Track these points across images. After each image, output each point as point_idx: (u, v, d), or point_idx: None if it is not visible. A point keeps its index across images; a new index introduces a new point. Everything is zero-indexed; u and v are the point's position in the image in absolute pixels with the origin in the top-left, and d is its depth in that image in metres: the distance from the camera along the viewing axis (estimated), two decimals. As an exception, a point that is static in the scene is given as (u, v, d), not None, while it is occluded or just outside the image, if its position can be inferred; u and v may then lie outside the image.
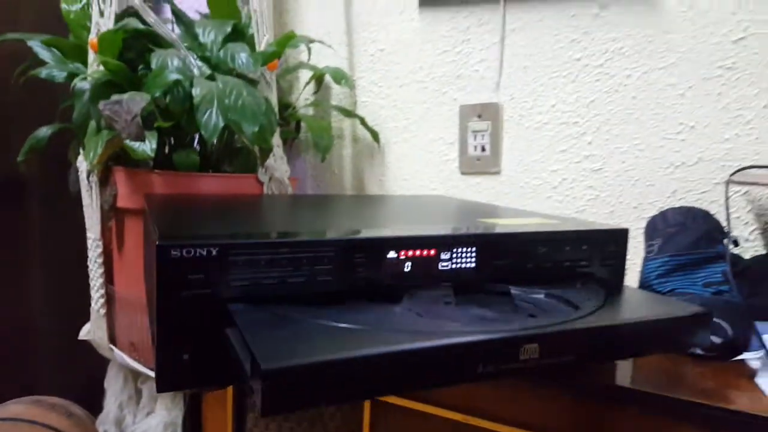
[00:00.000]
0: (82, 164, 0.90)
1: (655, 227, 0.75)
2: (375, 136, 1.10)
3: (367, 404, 0.68)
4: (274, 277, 0.47)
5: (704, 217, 0.72)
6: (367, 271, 0.51)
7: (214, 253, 0.45)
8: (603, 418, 0.56)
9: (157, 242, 0.44)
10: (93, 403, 1.04)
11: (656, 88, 0.90)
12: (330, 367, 0.35)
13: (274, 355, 0.35)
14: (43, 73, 0.93)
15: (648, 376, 0.57)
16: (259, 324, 0.42)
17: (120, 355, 0.90)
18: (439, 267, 0.54)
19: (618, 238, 0.61)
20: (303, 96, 1.16)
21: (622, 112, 0.93)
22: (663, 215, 0.75)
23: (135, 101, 0.68)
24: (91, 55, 0.89)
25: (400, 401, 0.66)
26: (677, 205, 0.79)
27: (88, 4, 0.95)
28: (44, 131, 0.96)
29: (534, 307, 0.50)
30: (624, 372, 0.58)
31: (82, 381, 1.11)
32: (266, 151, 0.88)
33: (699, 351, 0.62)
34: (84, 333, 0.97)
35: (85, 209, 0.92)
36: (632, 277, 0.81)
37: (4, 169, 1.11)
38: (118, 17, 0.90)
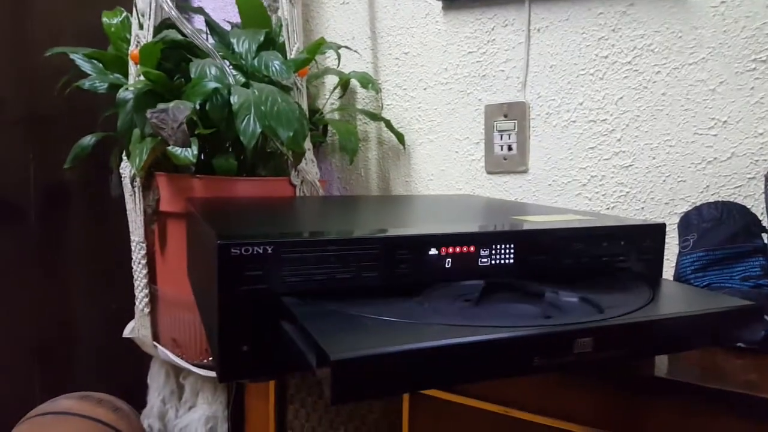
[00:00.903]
0: (125, 170, 0.94)
1: (689, 222, 0.76)
2: (400, 138, 1.12)
3: (406, 396, 0.70)
4: (324, 273, 0.50)
5: (741, 211, 0.73)
6: (409, 267, 0.53)
7: (269, 250, 0.48)
8: (643, 409, 0.58)
9: (217, 242, 0.46)
10: (136, 398, 1.08)
11: (686, 83, 0.90)
12: (394, 358, 0.37)
13: (340, 346, 0.37)
14: (86, 84, 0.97)
15: (688, 368, 0.58)
16: (317, 317, 0.44)
17: (163, 352, 0.93)
18: (479, 263, 0.56)
19: (655, 232, 0.62)
20: (330, 101, 1.19)
21: (651, 108, 0.93)
22: (698, 210, 0.76)
23: (180, 109, 0.71)
24: (132, 66, 0.93)
25: (439, 394, 0.68)
26: (710, 201, 0.79)
27: (128, 18, 0.99)
28: (89, 139, 1.00)
29: (558, 309, 0.50)
30: (663, 364, 0.60)
31: (126, 378, 1.15)
32: (299, 155, 0.91)
33: (740, 344, 0.63)
34: (128, 331, 1.01)
35: (128, 213, 0.96)
36: (666, 272, 0.82)
37: (49, 175, 1.15)
38: (156, 29, 0.93)
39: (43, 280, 1.16)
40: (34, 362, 1.15)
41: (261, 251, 0.47)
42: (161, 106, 0.73)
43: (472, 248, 0.55)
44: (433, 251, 0.54)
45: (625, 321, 0.44)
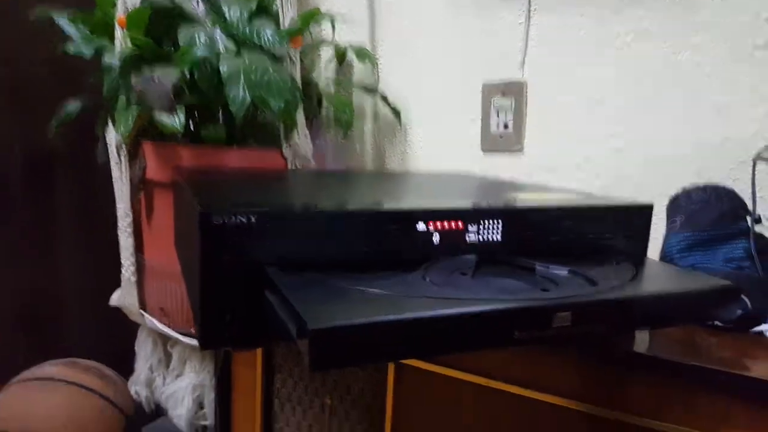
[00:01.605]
0: (111, 137, 0.93)
1: (678, 204, 0.76)
2: (397, 114, 1.10)
3: (390, 367, 0.71)
4: (309, 245, 0.49)
5: (729, 195, 0.73)
6: (396, 241, 0.53)
7: (253, 220, 0.47)
8: (622, 383, 0.58)
9: (199, 210, 0.46)
10: (124, 366, 1.08)
11: (683, 67, 0.89)
12: (375, 328, 0.37)
13: (320, 315, 0.37)
14: (72, 48, 0.95)
15: (666, 344, 0.59)
16: (299, 287, 0.44)
17: (150, 320, 0.93)
18: (467, 239, 0.56)
19: (643, 213, 0.62)
20: (325, 73, 1.17)
21: (648, 91, 0.92)
22: (687, 193, 0.76)
23: (167, 77, 0.69)
24: (119, 32, 0.91)
25: (424, 365, 0.69)
26: (701, 184, 0.79)
27: (117, -21, 0.96)
28: (74, 105, 0.99)
29: (553, 283, 0.51)
30: (642, 340, 0.60)
31: (114, 345, 1.15)
32: (290, 127, 0.89)
33: (717, 322, 0.63)
34: (115, 299, 1.01)
35: (114, 181, 0.95)
36: (652, 251, 0.82)
37: (33, 142, 1.14)
38: (146, -7, 0.91)
39: (30, 248, 1.15)
40: (21, 329, 1.15)
41: (244, 221, 0.47)
42: (147, 72, 0.72)
43: (460, 224, 0.55)
44: (421, 226, 0.54)
45: (604, 297, 0.45)
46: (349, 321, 0.37)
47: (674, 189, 0.90)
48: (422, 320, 0.39)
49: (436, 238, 0.54)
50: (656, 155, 0.93)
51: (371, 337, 0.37)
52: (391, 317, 0.38)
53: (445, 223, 0.54)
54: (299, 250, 0.49)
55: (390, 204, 0.55)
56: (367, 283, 0.45)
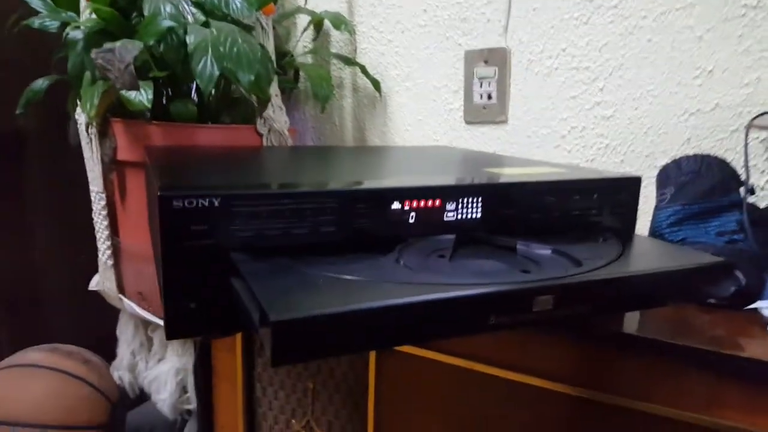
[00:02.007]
0: (80, 116, 0.89)
1: (667, 175, 0.74)
2: (376, 85, 1.07)
3: (372, 352, 0.69)
4: (277, 228, 0.47)
5: (720, 165, 0.70)
6: (370, 222, 0.50)
7: (216, 203, 0.44)
8: (610, 365, 0.57)
9: (159, 193, 0.43)
10: (106, 350, 1.06)
11: (673, 30, 0.86)
12: (339, 319, 0.35)
13: (283, 306, 0.35)
14: (36, 23, 0.90)
15: (656, 323, 0.57)
16: (264, 274, 0.42)
17: (129, 305, 0.91)
18: (445, 218, 0.53)
19: (630, 186, 0.60)
20: (301, 43, 1.13)
21: (636, 56, 0.89)
22: (676, 163, 0.74)
23: (127, 49, 0.66)
24: (83, 3, 0.86)
25: (407, 348, 0.67)
26: (691, 154, 0.77)
27: (79, -53, 0.91)
28: (41, 83, 0.94)
29: (534, 263, 0.49)
30: (632, 320, 0.58)
31: (96, 330, 1.13)
32: (264, 101, 0.86)
33: (711, 300, 0.61)
34: (93, 284, 0.98)
35: (86, 162, 0.91)
36: (642, 225, 0.80)
37: (2, 123, 1.09)
38: (110, -40, 0.86)
39: (5, 232, 1.12)
40: (1, 315, 1.12)
41: (207, 204, 0.44)
42: (107, 45, 0.68)
43: (437, 202, 0.53)
44: (395, 205, 0.51)
45: (589, 278, 0.42)
46: (314, 311, 0.35)
47: (664, 159, 0.88)
48: (391, 309, 0.36)
49: (411, 217, 0.52)
50: (644, 124, 0.90)
51: (338, 328, 0.35)
52: (359, 306, 0.36)
53: (422, 202, 0.52)
54: (266, 234, 0.46)
55: (363, 182, 0.53)
56: (337, 269, 0.43)
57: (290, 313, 0.34)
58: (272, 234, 0.47)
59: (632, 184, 0.60)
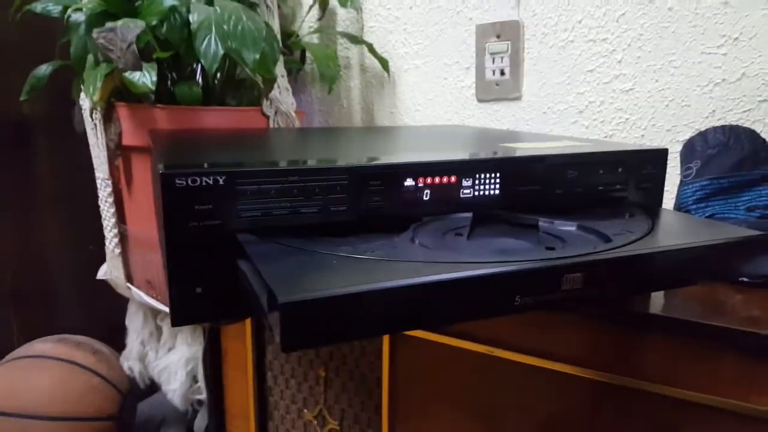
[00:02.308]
0: (85, 102, 0.87)
1: (693, 149, 0.70)
2: (384, 64, 1.03)
3: (386, 336, 0.67)
4: (285, 207, 0.44)
5: (749, 135, 0.67)
6: (383, 200, 0.48)
7: (221, 181, 0.42)
8: (638, 348, 0.54)
9: (161, 171, 0.41)
10: (116, 340, 1.05)
11: (695, -4, 0.82)
12: (354, 300, 0.32)
13: (292, 287, 0.33)
14: (38, 7, 0.88)
15: (685, 303, 0.54)
16: (272, 255, 0.39)
17: (138, 294, 0.89)
18: (461, 195, 0.51)
19: (657, 159, 0.56)
20: (306, 23, 1.09)
21: (656, 25, 0.85)
22: (702, 135, 0.70)
23: (129, 28, 0.63)
24: (84, -17, 0.84)
25: (421, 333, 0.65)
26: (718, 126, 0.73)
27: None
28: (44, 69, 0.92)
29: (560, 240, 0.46)
30: (658, 300, 0.55)
31: (105, 319, 1.12)
32: (270, 82, 0.83)
33: (743, 278, 0.58)
34: (101, 273, 0.97)
35: (91, 148, 0.89)
36: (665, 204, 0.77)
37: (8, 110, 1.08)
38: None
39: (13, 222, 1.11)
40: (10, 306, 1.11)
41: (211, 182, 0.42)
42: (109, 24, 0.65)
43: (453, 178, 0.50)
44: (409, 182, 0.48)
45: (620, 254, 0.39)
46: (327, 292, 0.32)
47: (687, 132, 0.85)
48: (410, 289, 0.34)
49: (426, 195, 0.49)
50: (666, 96, 0.86)
51: (353, 310, 0.33)
52: (375, 286, 0.33)
53: (436, 179, 0.49)
54: (274, 214, 0.44)
55: (375, 159, 0.50)
56: (349, 248, 0.41)
57: (300, 294, 0.31)
58: (280, 214, 0.44)
59: (659, 157, 0.57)
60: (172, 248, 0.42)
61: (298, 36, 1.03)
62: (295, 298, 0.31)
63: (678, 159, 0.73)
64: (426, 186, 0.49)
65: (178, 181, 0.41)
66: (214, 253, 0.43)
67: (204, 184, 0.42)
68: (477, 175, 0.50)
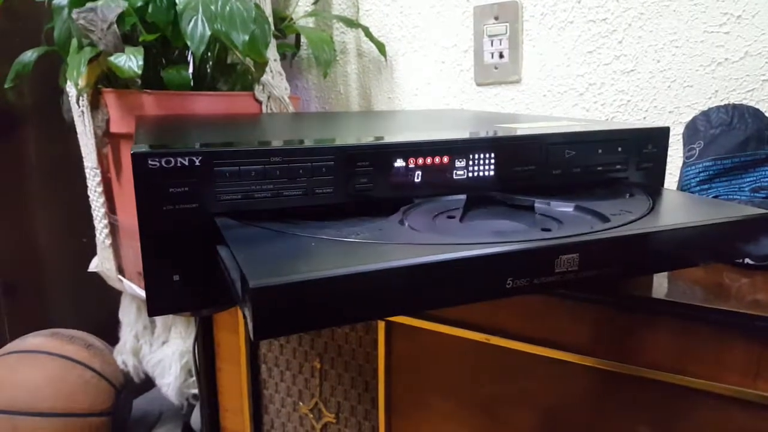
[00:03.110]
0: (71, 89, 0.84)
1: (695, 129, 0.68)
2: (381, 48, 1.01)
3: (381, 325, 0.65)
4: (267, 190, 0.42)
5: (754, 114, 0.64)
6: (371, 182, 0.45)
7: (197, 162, 0.40)
8: (638, 335, 0.52)
9: (133, 152, 0.39)
10: (109, 334, 1.04)
11: (699, -28, 0.79)
12: (332, 284, 0.30)
13: (265, 271, 0.31)
14: (20, -10, 0.86)
15: (688, 287, 0.52)
16: (250, 240, 0.37)
17: (129, 286, 0.87)
18: (454, 176, 0.48)
19: (658, 137, 0.54)
20: (302, 7, 1.07)
21: (657, 4, 0.82)
22: (705, 115, 0.68)
23: (110, 8, 0.61)
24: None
25: (417, 322, 0.63)
26: (721, 105, 0.70)
27: None
28: (29, 55, 0.90)
29: (556, 222, 0.44)
30: (659, 284, 0.53)
31: (98, 313, 1.10)
32: (261, 66, 0.81)
33: (749, 261, 0.56)
34: (93, 265, 0.95)
35: (79, 137, 0.87)
36: (668, 186, 0.75)
37: (-3, 101, 1.06)
38: None
39: (2, 214, 1.09)
40: (1, 299, 1.10)
41: (186, 163, 0.40)
42: (89, 4, 0.63)
43: (445, 159, 0.48)
44: (399, 163, 0.46)
45: (618, 234, 0.37)
46: (302, 276, 0.30)
47: (689, 114, 0.82)
48: (394, 271, 0.32)
49: (417, 176, 0.47)
50: (668, 77, 0.83)
51: (331, 294, 0.31)
52: (356, 269, 0.31)
53: (428, 159, 0.47)
54: (254, 197, 0.42)
55: (363, 138, 0.48)
56: (333, 232, 0.38)
57: (273, 278, 0.29)
58: (261, 197, 0.42)
59: (660, 136, 0.55)
60: (146, 233, 0.41)
61: (292, 20, 1.00)
62: (266, 282, 0.29)
63: (681, 141, 0.71)
64: (417, 167, 0.47)
65: (151, 163, 0.39)
66: (191, 238, 0.41)
67: (179, 165, 0.40)
68: (471, 156, 0.48)
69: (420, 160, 0.47)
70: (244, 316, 0.32)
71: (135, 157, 0.39)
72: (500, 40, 0.92)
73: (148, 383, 1.04)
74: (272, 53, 0.84)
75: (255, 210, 0.42)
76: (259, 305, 0.29)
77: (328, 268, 0.31)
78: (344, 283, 0.30)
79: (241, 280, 0.31)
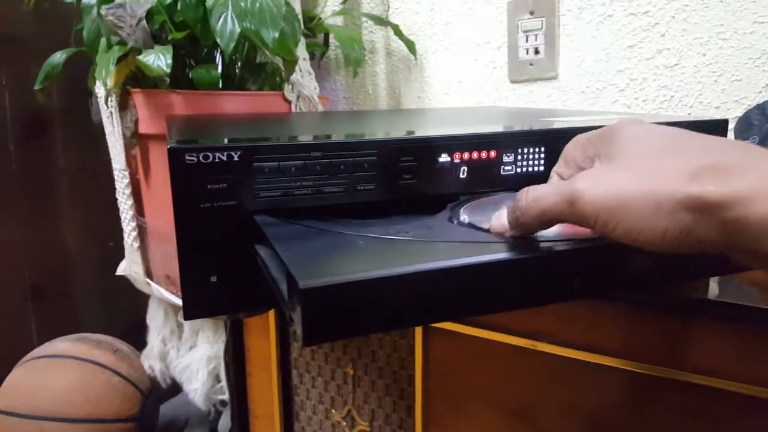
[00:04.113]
0: (100, 90, 0.84)
1: (749, 123, 0.64)
2: (411, 46, 0.98)
3: (417, 329, 0.62)
4: (308, 187, 0.40)
5: (816, 105, 0.60)
6: (415, 178, 0.43)
7: (236, 157, 0.38)
8: (690, 340, 0.48)
9: (170, 146, 0.37)
10: (137, 338, 1.03)
11: (749, -41, 0.75)
12: (387, 285, 0.28)
13: (315, 271, 0.28)
14: (52, -8, 0.85)
15: (744, 288, 0.49)
16: (293, 238, 0.35)
17: (157, 289, 0.86)
18: (501, 172, 0.46)
19: (717, 129, 0.51)
20: (330, 6, 1.05)
21: (703, -6, 0.79)
22: (760, 108, 0.64)
23: (139, 3, 0.60)
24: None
25: (456, 327, 0.60)
26: (777, 97, 0.67)
27: None
28: (59, 56, 0.90)
29: None
30: (714, 284, 0.50)
31: (126, 317, 1.10)
32: (291, 64, 0.79)
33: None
34: (121, 269, 0.94)
35: (107, 138, 0.86)
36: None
37: (26, 101, 1.06)
38: None
39: (31, 217, 1.09)
40: (29, 303, 1.09)
41: (225, 158, 0.38)
42: (118, 0, 0.62)
43: (492, 153, 0.45)
44: (444, 157, 0.44)
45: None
46: (355, 275, 0.28)
47: (738, 109, 0.78)
48: (453, 271, 0.29)
49: (463, 172, 0.44)
50: (714, 71, 0.80)
51: (385, 296, 0.28)
52: (412, 269, 0.28)
53: (474, 153, 0.44)
54: (295, 194, 0.40)
55: (406, 133, 0.45)
56: (379, 230, 0.36)
57: (325, 278, 0.27)
58: (302, 193, 0.40)
59: (719, 127, 0.51)
60: (182, 232, 0.38)
61: (320, 19, 0.99)
62: (318, 282, 0.26)
63: (732, 136, 0.67)
64: (463, 162, 0.44)
65: (188, 158, 0.37)
66: (229, 237, 0.39)
67: (217, 160, 0.38)
68: (519, 150, 0.45)
69: (466, 155, 0.44)
70: (290, 320, 0.29)
71: (172, 152, 0.37)
72: (536, 36, 0.89)
73: (175, 388, 1.03)
74: (302, 52, 0.82)
75: (294, 207, 0.39)
76: (310, 308, 0.26)
77: (382, 267, 0.28)
78: (402, 283, 0.28)
79: (288, 281, 0.29)
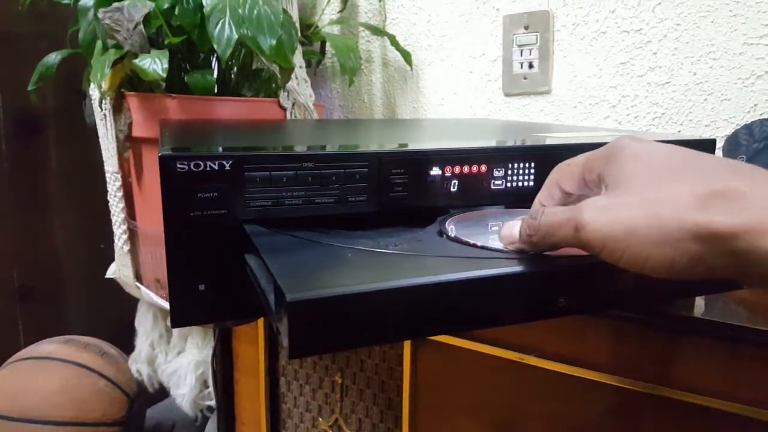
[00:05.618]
0: (94, 92, 0.84)
1: (737, 142, 0.65)
2: (407, 57, 0.99)
3: (407, 342, 0.62)
4: (299, 197, 0.40)
5: (803, 127, 0.61)
6: (406, 190, 0.43)
7: (227, 166, 0.38)
8: (677, 357, 0.49)
9: (160, 154, 0.37)
10: (125, 342, 1.02)
11: (739, -19, 0.77)
12: (374, 299, 0.28)
13: (303, 283, 0.28)
14: (48, -7, 0.85)
15: (731, 307, 0.49)
16: (283, 248, 0.35)
17: (147, 293, 0.86)
18: (492, 186, 0.46)
19: (704, 149, 0.51)
20: (327, 14, 1.06)
21: (694, 14, 0.80)
22: (747, 128, 0.65)
23: (137, 8, 0.60)
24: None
25: (445, 338, 0.60)
26: (765, 118, 0.68)
27: None
28: (53, 57, 0.90)
29: None
30: (699, 304, 0.50)
31: (114, 320, 1.09)
32: (287, 72, 0.79)
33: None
34: (111, 272, 0.94)
35: (101, 141, 0.86)
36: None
37: (20, 102, 1.05)
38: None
39: (21, 218, 1.08)
40: (17, 304, 1.09)
41: (216, 167, 0.38)
42: (116, 4, 0.62)
43: (483, 167, 0.45)
44: (435, 171, 0.44)
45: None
46: (342, 289, 0.28)
47: (727, 128, 0.79)
48: (440, 286, 0.29)
49: (454, 185, 0.44)
50: (704, 90, 0.81)
51: (372, 310, 0.28)
52: (400, 283, 0.29)
53: (465, 167, 0.45)
54: (287, 204, 0.40)
55: (398, 145, 0.46)
56: (369, 242, 0.36)
57: (312, 291, 0.27)
58: (293, 204, 0.40)
59: (706, 147, 0.52)
60: (172, 239, 0.38)
61: (317, 27, 0.99)
62: (305, 296, 0.27)
63: (720, 155, 0.68)
64: (454, 176, 0.44)
65: (179, 166, 0.37)
66: (219, 245, 0.39)
67: (209, 169, 0.38)
68: (510, 165, 0.46)
69: (457, 169, 0.45)
70: (277, 332, 0.29)
71: (163, 159, 0.37)
72: (530, 50, 0.90)
73: (162, 393, 1.02)
74: (298, 59, 0.82)
75: (285, 217, 0.40)
76: (297, 321, 0.26)
77: (370, 281, 0.29)
78: (389, 298, 0.28)
79: (276, 293, 0.29)
